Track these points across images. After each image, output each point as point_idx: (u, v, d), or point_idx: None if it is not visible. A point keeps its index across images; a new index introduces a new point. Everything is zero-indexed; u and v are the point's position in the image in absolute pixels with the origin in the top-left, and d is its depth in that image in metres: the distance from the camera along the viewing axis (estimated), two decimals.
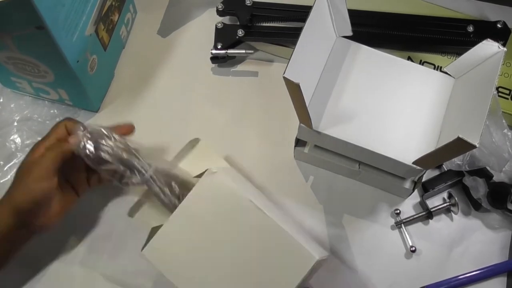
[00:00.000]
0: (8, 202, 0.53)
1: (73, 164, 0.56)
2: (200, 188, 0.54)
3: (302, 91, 0.50)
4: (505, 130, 0.64)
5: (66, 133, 0.56)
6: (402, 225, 0.65)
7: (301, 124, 0.58)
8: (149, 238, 0.55)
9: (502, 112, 0.65)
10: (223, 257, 0.53)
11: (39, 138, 0.68)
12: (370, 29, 0.71)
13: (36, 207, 0.53)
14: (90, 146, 0.54)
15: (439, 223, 0.66)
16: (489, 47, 0.55)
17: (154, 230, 0.56)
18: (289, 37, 0.71)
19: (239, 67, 0.74)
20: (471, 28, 0.70)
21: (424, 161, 0.55)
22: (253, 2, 0.72)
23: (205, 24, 0.76)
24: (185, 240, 0.53)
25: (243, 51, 0.72)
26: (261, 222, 0.52)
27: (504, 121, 0.64)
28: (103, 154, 0.54)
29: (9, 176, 0.67)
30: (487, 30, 0.70)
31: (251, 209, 0.53)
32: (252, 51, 0.73)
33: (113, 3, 0.68)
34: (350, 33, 0.62)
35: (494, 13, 0.73)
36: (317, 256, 0.51)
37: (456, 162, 0.65)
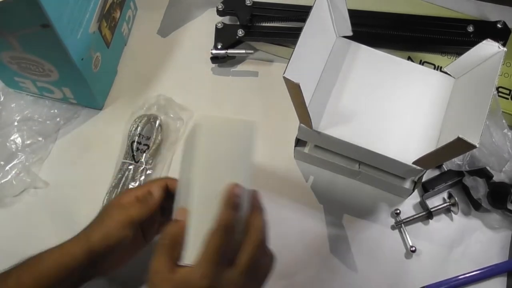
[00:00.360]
0: (84, 240, 0.52)
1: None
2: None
3: (302, 91, 0.50)
4: (505, 130, 0.64)
5: (163, 191, 0.54)
6: (402, 225, 0.65)
7: (301, 124, 0.58)
8: None
9: (502, 112, 0.65)
10: None
11: (40, 138, 0.69)
12: (370, 29, 0.71)
13: (109, 251, 0.52)
14: None
15: (439, 223, 0.66)
16: (489, 47, 0.55)
17: None
18: (289, 37, 0.71)
19: (239, 67, 0.74)
20: (471, 28, 0.70)
21: (424, 161, 0.55)
22: (253, 2, 0.72)
23: (205, 24, 0.76)
24: None
25: (243, 51, 0.72)
26: None
27: (504, 121, 0.64)
28: None
29: (9, 177, 0.67)
30: (487, 30, 0.70)
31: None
32: (252, 51, 0.73)
33: (115, 0, 0.68)
34: (350, 33, 0.62)
35: (494, 13, 0.74)
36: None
37: (456, 162, 0.65)
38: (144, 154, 0.67)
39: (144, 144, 0.67)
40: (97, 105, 0.72)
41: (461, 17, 0.72)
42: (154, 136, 0.68)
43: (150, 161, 0.67)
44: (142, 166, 0.66)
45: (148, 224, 0.55)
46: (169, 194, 0.54)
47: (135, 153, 0.67)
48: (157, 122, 0.68)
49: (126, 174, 0.66)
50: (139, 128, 0.67)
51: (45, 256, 0.52)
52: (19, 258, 0.52)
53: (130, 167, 0.66)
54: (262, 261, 0.47)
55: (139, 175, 0.66)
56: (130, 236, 0.53)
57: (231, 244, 0.45)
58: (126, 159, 0.66)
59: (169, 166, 0.69)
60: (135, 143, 0.67)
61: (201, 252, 0.45)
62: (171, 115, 0.70)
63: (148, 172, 0.67)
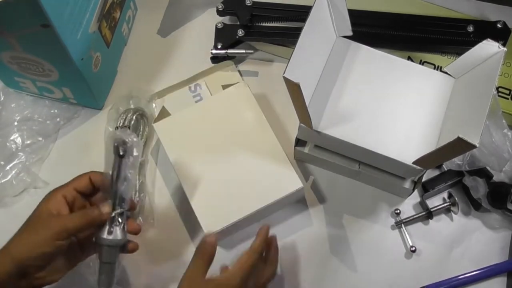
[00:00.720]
0: (8, 252, 0.50)
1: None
2: (227, 93, 0.66)
3: (302, 91, 0.50)
4: (505, 130, 0.64)
5: (90, 185, 0.54)
6: (402, 225, 0.65)
7: (301, 124, 0.58)
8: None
9: (502, 112, 0.65)
10: (221, 155, 0.63)
11: (40, 138, 0.69)
12: (370, 29, 0.71)
13: (38, 264, 0.51)
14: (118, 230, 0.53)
15: (439, 223, 0.66)
16: (489, 47, 0.55)
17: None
18: (289, 37, 0.71)
19: (239, 67, 0.74)
20: (471, 28, 0.70)
21: (424, 161, 0.55)
22: (253, 2, 0.72)
23: (205, 24, 0.76)
24: (192, 128, 0.64)
25: (243, 51, 0.72)
26: (266, 137, 0.63)
27: (504, 121, 0.64)
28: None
29: (9, 177, 0.67)
30: (487, 30, 0.70)
31: (261, 122, 0.64)
32: (252, 51, 0.73)
33: (115, 0, 0.68)
34: (350, 33, 0.62)
35: (494, 13, 0.73)
36: (301, 184, 0.61)
37: (456, 162, 0.65)
38: None
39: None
40: (97, 105, 0.72)
41: (461, 17, 0.72)
42: (141, 128, 0.68)
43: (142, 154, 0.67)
44: None
45: (84, 237, 0.55)
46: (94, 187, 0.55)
47: None
48: (140, 115, 0.68)
49: None
50: (126, 123, 0.67)
51: None
52: None
53: None
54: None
55: None
56: (60, 250, 0.51)
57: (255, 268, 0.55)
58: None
59: (157, 157, 0.69)
60: None
61: (236, 267, 0.54)
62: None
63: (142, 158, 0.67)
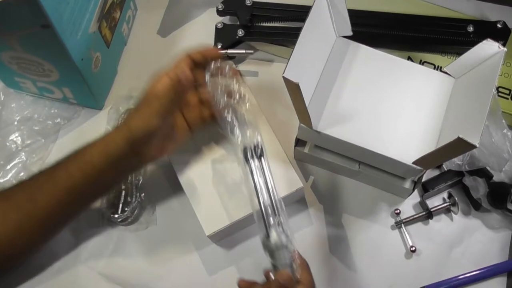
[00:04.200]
0: (125, 129, 0.54)
1: (188, 99, 0.59)
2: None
3: (302, 91, 0.50)
4: (505, 130, 0.64)
5: (190, 66, 0.57)
6: (402, 225, 0.65)
7: (301, 124, 0.58)
8: None
9: (502, 112, 0.65)
10: (221, 155, 0.63)
11: (40, 138, 0.69)
12: (371, 29, 0.71)
13: (150, 139, 0.55)
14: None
15: (439, 223, 0.66)
16: (489, 47, 0.55)
17: None
18: (289, 37, 0.71)
19: (239, 67, 0.74)
20: (471, 28, 0.70)
21: (424, 161, 0.55)
22: (253, 2, 0.72)
23: (205, 24, 0.76)
24: None
25: (243, 51, 0.72)
26: (266, 137, 0.61)
27: (504, 121, 0.64)
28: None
29: (9, 176, 0.67)
30: (487, 30, 0.70)
31: (261, 121, 0.64)
32: (252, 51, 0.73)
33: (115, 0, 0.68)
34: (350, 33, 0.62)
35: (494, 13, 0.73)
36: (301, 184, 0.61)
37: (456, 162, 0.65)
38: None
39: None
40: (97, 105, 0.72)
41: (461, 17, 0.72)
42: None
43: None
44: None
45: (189, 112, 0.60)
46: (196, 64, 0.57)
47: None
48: None
49: None
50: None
51: (90, 147, 0.55)
52: None
53: None
54: None
55: None
56: (168, 122, 0.56)
57: None
58: None
59: None
60: None
61: None
62: None
63: None
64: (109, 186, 0.59)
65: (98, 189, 0.57)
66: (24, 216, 0.54)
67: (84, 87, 0.66)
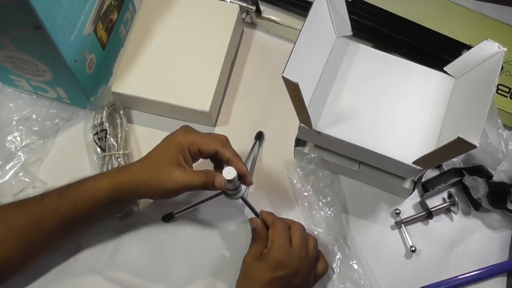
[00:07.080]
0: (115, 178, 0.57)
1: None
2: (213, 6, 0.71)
3: (302, 91, 0.50)
4: (500, 130, 0.64)
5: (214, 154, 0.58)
6: (402, 225, 0.65)
7: (301, 124, 0.58)
8: None
9: (501, 110, 0.65)
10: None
11: (38, 138, 0.69)
12: (377, 26, 0.71)
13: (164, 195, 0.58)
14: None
15: (439, 223, 0.66)
16: (489, 47, 0.55)
17: None
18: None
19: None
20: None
21: (424, 161, 0.55)
22: None
23: None
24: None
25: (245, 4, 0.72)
26: (211, 61, 0.68)
27: (499, 120, 0.64)
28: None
29: (7, 177, 0.67)
30: None
31: (220, 51, 0.69)
32: (253, 7, 0.72)
33: (112, 2, 0.68)
34: (350, 33, 0.61)
35: (494, 13, 0.73)
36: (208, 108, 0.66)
37: (452, 159, 0.65)
38: (108, 138, 0.66)
39: (102, 130, 0.67)
40: (91, 106, 0.71)
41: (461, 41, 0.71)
42: (118, 122, 0.68)
43: (122, 144, 0.67)
44: (115, 151, 0.66)
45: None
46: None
47: (100, 144, 0.67)
48: (114, 109, 0.68)
49: (109, 166, 0.66)
50: (103, 119, 0.67)
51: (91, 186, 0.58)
52: None
53: (107, 157, 0.66)
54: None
55: (121, 160, 0.66)
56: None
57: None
58: (102, 154, 0.66)
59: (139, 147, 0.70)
60: (97, 135, 0.67)
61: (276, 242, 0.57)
62: None
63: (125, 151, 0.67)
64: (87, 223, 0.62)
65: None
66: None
67: (77, 88, 0.66)
